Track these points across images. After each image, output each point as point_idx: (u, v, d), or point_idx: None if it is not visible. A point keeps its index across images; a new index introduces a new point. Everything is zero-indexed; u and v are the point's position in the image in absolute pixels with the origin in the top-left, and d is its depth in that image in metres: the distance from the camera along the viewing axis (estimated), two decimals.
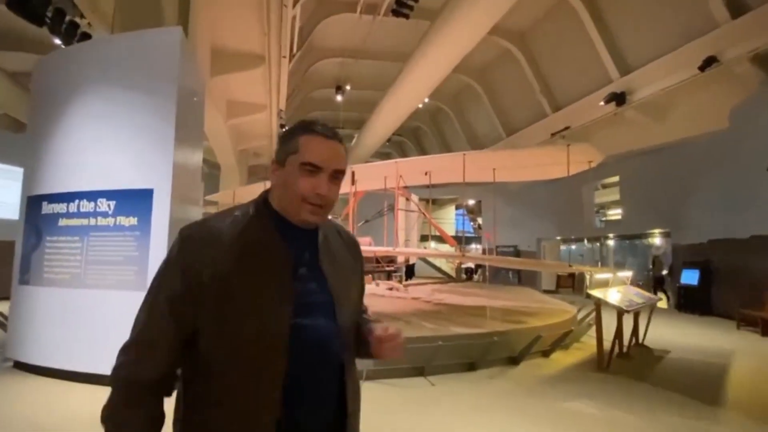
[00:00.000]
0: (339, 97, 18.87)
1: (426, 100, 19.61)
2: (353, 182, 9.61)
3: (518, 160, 7.86)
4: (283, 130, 1.16)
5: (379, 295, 10.58)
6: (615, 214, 21.19)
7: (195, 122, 5.72)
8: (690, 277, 12.09)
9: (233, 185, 14.52)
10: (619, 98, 12.07)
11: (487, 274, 10.38)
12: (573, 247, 22.74)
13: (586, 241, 18.95)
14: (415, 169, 9.15)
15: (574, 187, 18.63)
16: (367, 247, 9.77)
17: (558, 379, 5.35)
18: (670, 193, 13.26)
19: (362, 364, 4.94)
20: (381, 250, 9.65)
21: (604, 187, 20.20)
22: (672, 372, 5.76)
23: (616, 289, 6.56)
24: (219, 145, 13.81)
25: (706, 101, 11.19)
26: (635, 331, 6.95)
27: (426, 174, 9.68)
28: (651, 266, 15.13)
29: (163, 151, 4.72)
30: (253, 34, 8.89)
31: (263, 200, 1.07)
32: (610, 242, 19.46)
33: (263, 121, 13.44)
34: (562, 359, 6.20)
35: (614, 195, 19.77)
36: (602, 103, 12.40)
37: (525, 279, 19.16)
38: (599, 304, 5.74)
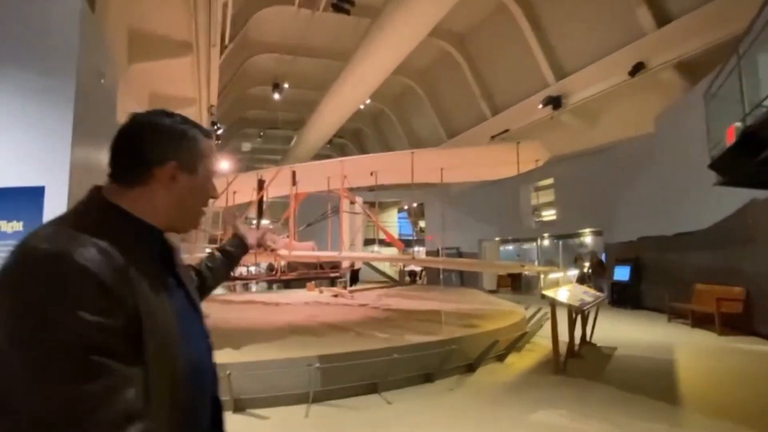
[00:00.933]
0: (276, 95, 17.98)
1: (368, 101, 19.28)
2: (294, 183, 8.94)
3: (467, 159, 7.67)
4: (174, 126, 0.90)
5: (323, 303, 9.96)
6: (549, 215, 22.14)
7: (104, 110, 4.81)
8: (622, 274, 12.69)
9: None
10: (555, 102, 12.45)
11: (440, 276, 10.14)
12: (510, 247, 23.49)
13: (545, 241, 19.50)
14: (360, 168, 8.68)
15: (511, 189, 19.22)
16: (310, 252, 9.15)
17: (518, 385, 5.10)
18: (602, 194, 13.91)
19: (308, 386, 4.37)
20: (325, 255, 9.07)
21: (537, 189, 21.07)
22: (624, 371, 5.73)
23: (566, 288, 6.50)
24: None
25: (634, 106, 11.82)
26: (583, 330, 6.95)
27: (372, 174, 9.26)
28: (573, 263, 15.73)
29: (58, 142, 3.82)
30: (179, 17, 7.96)
31: (111, 205, 0.83)
32: (545, 242, 20.27)
33: (192, 118, 12.30)
34: (517, 363, 5.99)
35: (549, 197, 20.65)
36: (540, 106, 12.72)
37: (467, 280, 19.36)
38: (554, 305, 5.60)
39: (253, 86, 18.98)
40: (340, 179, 8.84)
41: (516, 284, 19.88)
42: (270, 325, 6.52)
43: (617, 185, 13.38)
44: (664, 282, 10.90)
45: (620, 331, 8.44)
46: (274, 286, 15.80)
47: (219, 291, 16.23)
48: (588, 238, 18.95)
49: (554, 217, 20.94)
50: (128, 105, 10.53)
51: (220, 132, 14.03)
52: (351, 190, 11.24)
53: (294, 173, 8.97)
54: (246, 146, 25.05)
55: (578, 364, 5.78)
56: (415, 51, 16.09)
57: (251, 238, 1.56)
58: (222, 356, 4.51)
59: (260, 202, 9.56)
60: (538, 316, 8.40)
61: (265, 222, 9.32)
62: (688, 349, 7.02)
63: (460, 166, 8.01)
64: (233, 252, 1.49)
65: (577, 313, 5.62)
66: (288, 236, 9.47)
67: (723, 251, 8.97)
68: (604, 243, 14.57)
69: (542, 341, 7.17)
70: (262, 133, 24.23)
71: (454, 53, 15.32)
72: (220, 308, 9.38)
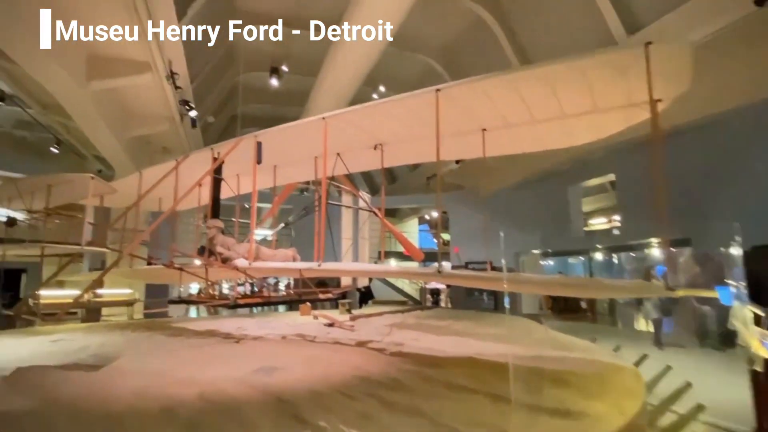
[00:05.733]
0: (274, 81, 15.19)
1: (382, 88, 16.50)
2: (259, 160, 5.96)
3: (537, 99, 4.50)
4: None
5: (308, 339, 6.79)
6: (600, 223, 18.58)
7: None
8: (724, 297, 9.16)
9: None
10: None
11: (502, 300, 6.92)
12: (551, 262, 19.99)
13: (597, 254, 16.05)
14: (355, 133, 5.65)
15: (554, 190, 15.94)
16: (283, 264, 6.10)
17: None
18: (688, 191, 10.50)
19: None
20: (301, 266, 6.00)
21: (589, 194, 17.67)
22: None
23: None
24: (87, 124, 9.79)
25: (744, 63, 8.51)
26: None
27: (376, 148, 6.25)
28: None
29: None
30: None
31: None
32: (598, 255, 16.75)
33: (152, 90, 9.54)
34: None
35: (601, 201, 17.28)
36: None
37: (502, 301, 15.97)
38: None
39: (247, 72, 16.31)
40: (326, 152, 5.81)
41: (558, 306, 16.44)
42: (170, 398, 3.42)
43: (709, 178, 10.01)
44: None
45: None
46: (268, 308, 12.68)
47: (187, 313, 13.01)
48: (654, 250, 15.40)
49: (608, 225, 17.50)
50: (61, 75, 7.81)
51: (194, 115, 11.17)
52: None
53: (259, 145, 6.03)
54: None
55: None
56: (438, 21, 13.28)
57: None
58: None
59: (215, 186, 6.62)
60: (650, 368, 5.08)
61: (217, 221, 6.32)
62: None
63: (514, 123, 4.88)
64: None
65: None
66: (250, 241, 6.43)
67: None
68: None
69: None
70: None
71: (485, 16, 12.26)
72: (154, 342, 6.38)
